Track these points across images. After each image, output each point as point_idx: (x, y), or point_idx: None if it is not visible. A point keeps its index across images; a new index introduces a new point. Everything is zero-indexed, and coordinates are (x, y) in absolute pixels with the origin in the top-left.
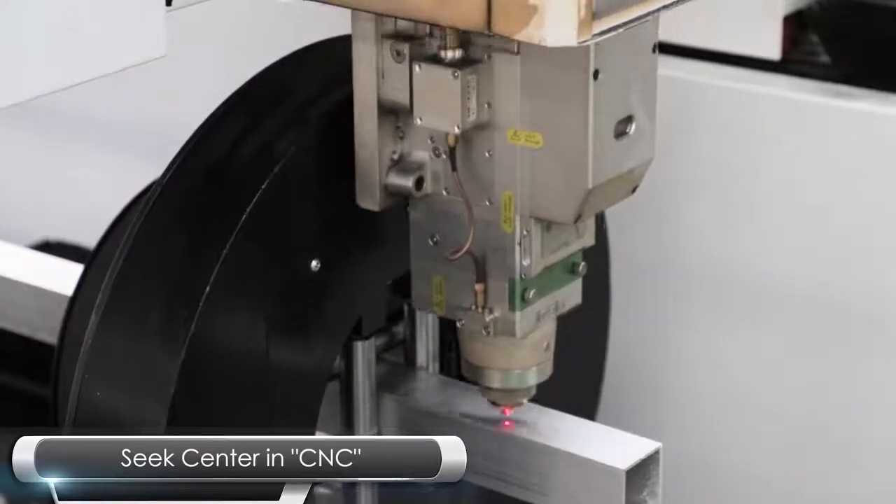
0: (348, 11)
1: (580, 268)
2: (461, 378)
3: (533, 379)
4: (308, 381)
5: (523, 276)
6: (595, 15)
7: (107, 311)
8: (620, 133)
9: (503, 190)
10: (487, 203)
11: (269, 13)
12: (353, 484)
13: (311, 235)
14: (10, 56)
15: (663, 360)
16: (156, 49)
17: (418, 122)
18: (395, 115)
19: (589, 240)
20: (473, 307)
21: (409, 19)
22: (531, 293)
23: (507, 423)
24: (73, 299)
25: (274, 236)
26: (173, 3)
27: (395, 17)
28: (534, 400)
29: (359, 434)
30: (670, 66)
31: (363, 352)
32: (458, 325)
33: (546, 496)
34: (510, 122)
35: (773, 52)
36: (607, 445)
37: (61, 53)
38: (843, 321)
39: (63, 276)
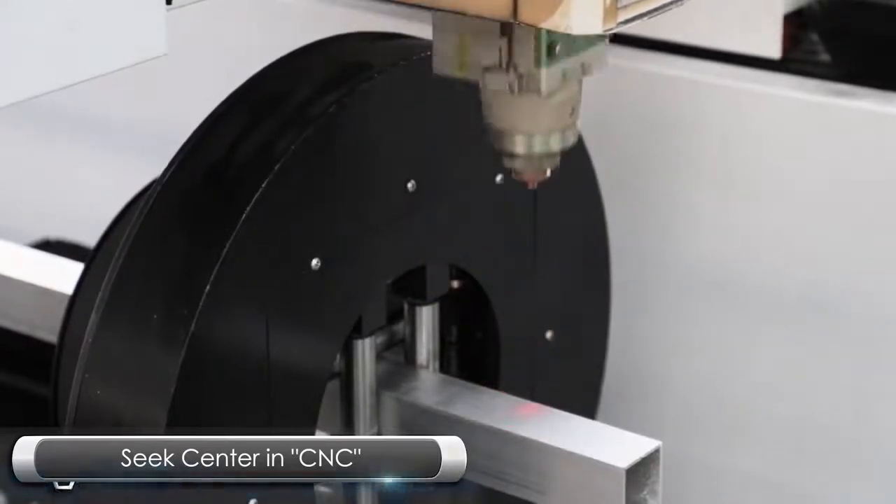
0: (349, 11)
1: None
2: (461, 377)
3: (557, 144)
4: (308, 379)
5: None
6: (620, 3)
7: (107, 310)
8: None
9: None
10: None
11: (269, 13)
12: (354, 484)
13: (312, 234)
14: (9, 54)
15: (663, 358)
16: (156, 48)
17: None
18: None
19: None
20: (497, 64)
21: (434, 8)
22: (557, 48)
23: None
24: (73, 298)
25: (274, 235)
26: (173, 2)
27: (419, 7)
28: (533, 399)
29: (359, 433)
30: (670, 65)
31: (363, 350)
32: (482, 85)
33: (545, 495)
34: None
35: (774, 50)
36: (607, 444)
37: (61, 52)
38: (843, 320)
39: (63, 275)
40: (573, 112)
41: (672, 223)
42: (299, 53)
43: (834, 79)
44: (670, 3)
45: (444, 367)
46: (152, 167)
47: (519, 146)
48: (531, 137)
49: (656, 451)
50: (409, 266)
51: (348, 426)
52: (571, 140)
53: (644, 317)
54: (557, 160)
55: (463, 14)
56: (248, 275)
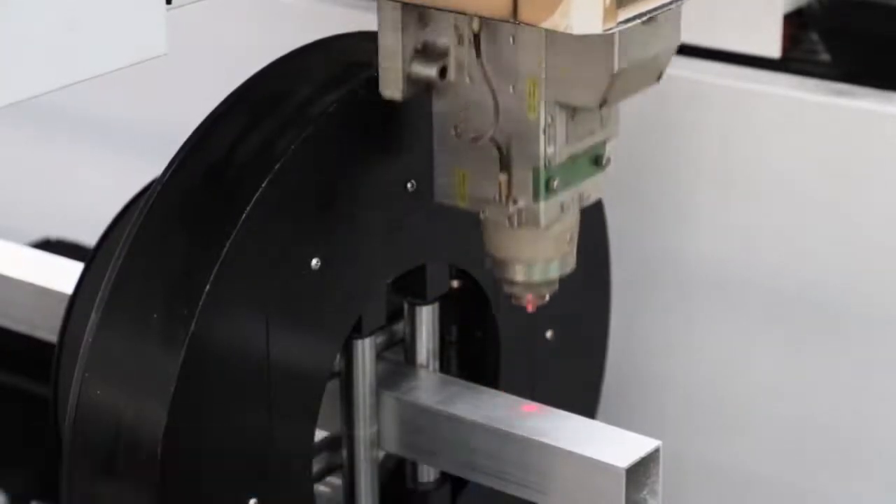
0: (349, 11)
1: (605, 160)
2: (461, 376)
3: (556, 271)
4: (308, 379)
5: (547, 164)
6: (620, 3)
7: (107, 309)
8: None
9: (527, 76)
10: (511, 90)
11: (268, 12)
12: (353, 483)
13: (311, 234)
14: (9, 54)
15: (663, 358)
16: (156, 48)
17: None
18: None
19: (613, 131)
20: (497, 197)
21: (434, 7)
22: (555, 182)
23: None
24: (73, 298)
25: (274, 235)
26: (173, 1)
27: (420, 5)
28: (533, 398)
29: (359, 433)
30: (670, 65)
31: (363, 350)
32: (482, 217)
33: (546, 494)
34: None
35: (774, 50)
36: (607, 444)
37: (61, 52)
38: (844, 320)
39: (63, 275)
40: (571, 239)
41: (672, 223)
42: (299, 53)
43: (834, 78)
44: (670, 3)
45: (444, 367)
46: (152, 167)
47: (519, 275)
48: (531, 266)
49: (656, 450)
50: (408, 266)
51: (348, 426)
52: (570, 266)
53: (644, 317)
54: (556, 286)
55: (462, 13)
56: (248, 275)
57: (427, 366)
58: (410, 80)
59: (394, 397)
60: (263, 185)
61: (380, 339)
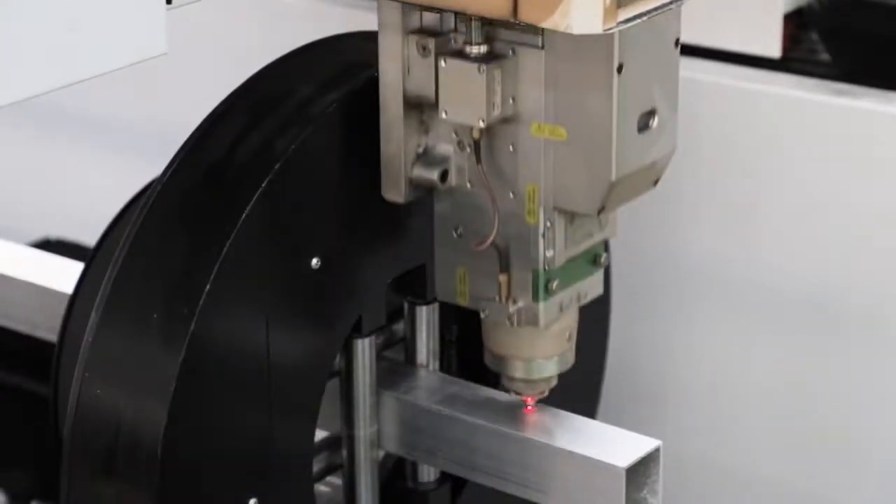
0: (349, 11)
1: (602, 259)
2: (461, 375)
3: (555, 369)
4: (308, 378)
5: (547, 267)
6: (620, 3)
7: (107, 309)
8: (643, 126)
9: (527, 183)
10: (511, 195)
11: (269, 12)
12: (353, 483)
13: (312, 233)
14: (10, 54)
15: (663, 358)
16: (156, 47)
17: (443, 115)
18: (419, 108)
19: (611, 232)
20: (497, 298)
21: (437, 8)
22: (554, 284)
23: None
24: (74, 297)
25: (274, 234)
26: (173, 1)
27: (422, 7)
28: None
29: (359, 432)
30: None
31: (363, 350)
32: (482, 315)
33: (546, 494)
34: (534, 116)
35: (774, 50)
36: (607, 443)
37: (62, 51)
38: (844, 319)
39: (63, 274)
40: (570, 337)
41: (672, 223)
42: (299, 53)
43: (834, 78)
44: (670, 3)
45: (443, 367)
46: (152, 167)
47: (518, 371)
48: (530, 363)
49: (656, 450)
50: (408, 265)
51: (348, 425)
52: (569, 363)
53: (644, 317)
54: (555, 381)
55: (463, 13)
56: (248, 274)
57: (427, 365)
58: (412, 184)
59: (394, 397)
60: (263, 185)
61: (380, 338)
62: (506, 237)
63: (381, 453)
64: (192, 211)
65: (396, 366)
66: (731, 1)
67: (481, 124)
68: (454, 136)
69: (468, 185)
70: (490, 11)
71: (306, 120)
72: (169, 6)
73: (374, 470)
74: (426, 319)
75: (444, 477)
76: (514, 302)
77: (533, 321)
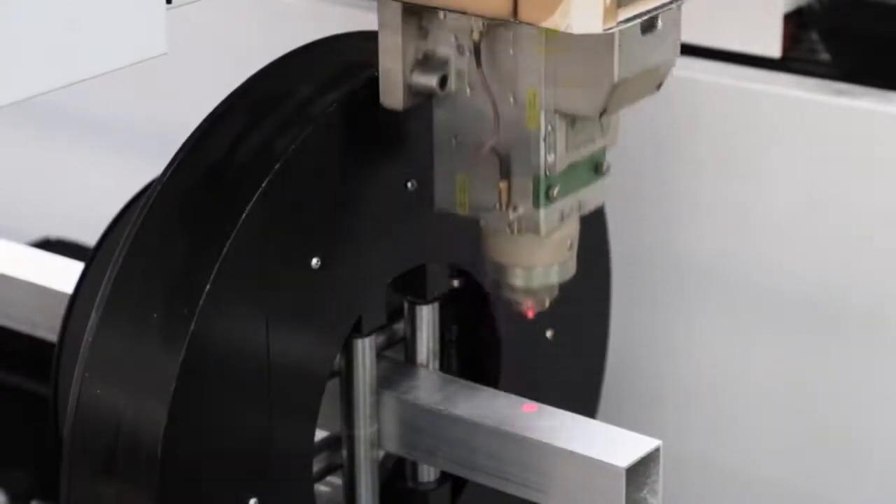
0: (349, 11)
1: (604, 167)
2: (461, 375)
3: (555, 277)
4: (308, 378)
5: (547, 172)
6: (620, 2)
7: (107, 308)
8: (647, 28)
9: (527, 87)
10: (511, 100)
11: (269, 11)
12: (353, 483)
13: (311, 233)
14: (9, 54)
15: (664, 357)
16: (156, 47)
17: (442, 17)
18: (418, 13)
19: (613, 140)
20: (497, 205)
21: (436, 7)
22: (555, 190)
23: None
24: (74, 297)
25: (274, 234)
26: (173, 1)
27: (422, 6)
28: (534, 398)
29: (359, 432)
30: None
31: (363, 349)
32: (482, 223)
33: (546, 494)
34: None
35: (774, 49)
36: (607, 443)
37: (61, 51)
38: (844, 319)
39: (63, 274)
40: (571, 246)
41: (672, 222)
42: (299, 52)
43: (834, 78)
44: (670, 3)
45: (444, 366)
46: (152, 166)
47: (518, 280)
48: (530, 272)
49: (656, 450)
50: (409, 265)
51: (348, 425)
52: (570, 272)
53: (644, 316)
54: (556, 291)
55: (463, 13)
56: (248, 274)
57: (427, 365)
58: (411, 90)
59: (394, 397)
60: (263, 185)
61: (380, 338)
62: (506, 143)
63: (381, 453)
64: (192, 211)
65: (397, 365)
66: (731, 1)
67: (481, 27)
68: (454, 40)
69: (468, 90)
70: (490, 11)
71: (306, 120)
72: (169, 6)
73: (374, 470)
74: (426, 319)
75: (445, 477)
76: (515, 209)
77: (534, 228)
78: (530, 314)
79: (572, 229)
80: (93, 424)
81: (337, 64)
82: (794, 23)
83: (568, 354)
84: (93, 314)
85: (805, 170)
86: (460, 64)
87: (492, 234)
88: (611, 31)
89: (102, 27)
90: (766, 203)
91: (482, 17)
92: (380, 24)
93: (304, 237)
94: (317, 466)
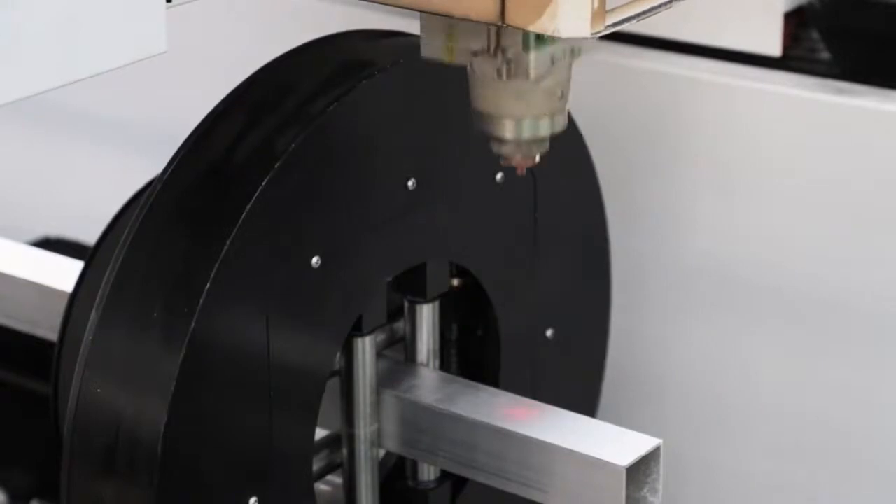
0: (349, 10)
1: None
2: (462, 375)
3: (546, 129)
4: (308, 377)
5: None
6: (608, 6)
7: (107, 307)
8: None
9: None
10: None
11: (269, 10)
12: (353, 482)
13: (312, 232)
14: (9, 53)
15: (664, 356)
16: (156, 45)
17: None
18: None
19: None
20: (485, 49)
21: (423, 10)
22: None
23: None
24: (74, 296)
25: (274, 233)
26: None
27: (409, 9)
28: (534, 397)
29: (359, 431)
30: (669, 63)
31: (364, 348)
32: (469, 70)
33: (546, 493)
34: None
35: (774, 48)
36: (608, 442)
37: (61, 50)
38: (844, 319)
39: (63, 273)
40: (563, 96)
41: (671, 222)
42: (299, 51)
43: (834, 76)
44: (660, 6)
45: (444, 365)
46: (152, 165)
47: (507, 131)
48: (520, 122)
49: (657, 449)
50: (409, 264)
51: (348, 424)
52: (561, 125)
53: (644, 315)
54: (547, 145)
55: (450, 16)
56: (249, 273)
57: (427, 364)
58: None
59: (394, 396)
60: (263, 184)
61: (380, 337)
62: None
63: (382, 452)
64: (192, 209)
65: (397, 364)
66: None
67: None
68: None
69: None
70: (477, 14)
71: (306, 119)
72: (169, 5)
73: (375, 469)
74: (427, 318)
75: (445, 476)
76: (504, 52)
77: (523, 73)
78: (520, 171)
79: (564, 77)
80: (93, 423)
81: (337, 63)
82: (795, 21)
83: (568, 353)
84: (93, 313)
85: (805, 168)
86: None
87: (480, 82)
88: (598, 35)
89: (102, 25)
90: (766, 202)
91: (469, 20)
92: None
93: (305, 236)
94: (317, 465)
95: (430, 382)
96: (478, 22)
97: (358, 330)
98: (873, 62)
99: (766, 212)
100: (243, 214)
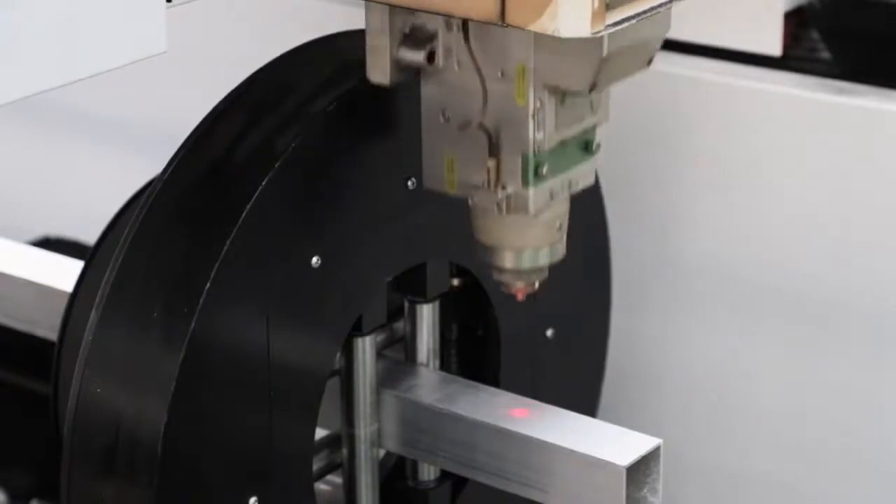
0: (349, 10)
1: (594, 146)
2: (462, 374)
3: (545, 259)
4: (308, 377)
5: (537, 150)
6: (608, 6)
7: (107, 307)
8: None
9: (516, 61)
10: (500, 75)
11: (269, 10)
12: (354, 482)
13: (312, 231)
14: (9, 52)
15: (664, 356)
16: (156, 45)
17: None
18: None
19: (604, 116)
20: (486, 184)
21: (422, 10)
22: (545, 168)
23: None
24: (73, 296)
25: (274, 233)
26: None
27: (408, 8)
28: (535, 397)
29: (359, 430)
30: (671, 62)
31: (364, 348)
32: (470, 203)
33: (546, 493)
34: None
35: (774, 48)
36: (608, 442)
37: (61, 50)
38: (844, 318)
39: (63, 273)
40: (561, 227)
41: (672, 221)
42: (299, 51)
43: (834, 76)
44: (659, 5)
45: (444, 365)
46: (152, 165)
47: (507, 261)
48: (520, 253)
49: (657, 449)
50: (409, 264)
51: (349, 424)
52: (560, 254)
53: (644, 315)
54: (546, 273)
55: (450, 16)
56: (249, 272)
57: (427, 364)
58: (398, 66)
59: (394, 395)
60: (263, 184)
61: (380, 337)
62: (494, 120)
63: (382, 452)
64: (192, 209)
65: (397, 364)
66: None
67: None
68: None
69: (456, 66)
70: (477, 14)
71: (306, 118)
72: (169, 4)
73: (375, 469)
74: (427, 318)
75: (445, 476)
76: (504, 188)
77: (522, 208)
78: (520, 297)
79: (562, 210)
80: (93, 423)
81: (336, 62)
82: (795, 21)
83: (568, 353)
84: (93, 313)
85: (805, 168)
86: (448, 39)
87: (480, 214)
88: (599, 34)
89: (102, 25)
90: (767, 202)
91: (469, 19)
92: (366, 3)
93: (305, 236)
94: (317, 465)
95: (430, 382)
96: (478, 21)
97: (358, 330)
98: (873, 62)
99: (766, 212)
100: (243, 214)
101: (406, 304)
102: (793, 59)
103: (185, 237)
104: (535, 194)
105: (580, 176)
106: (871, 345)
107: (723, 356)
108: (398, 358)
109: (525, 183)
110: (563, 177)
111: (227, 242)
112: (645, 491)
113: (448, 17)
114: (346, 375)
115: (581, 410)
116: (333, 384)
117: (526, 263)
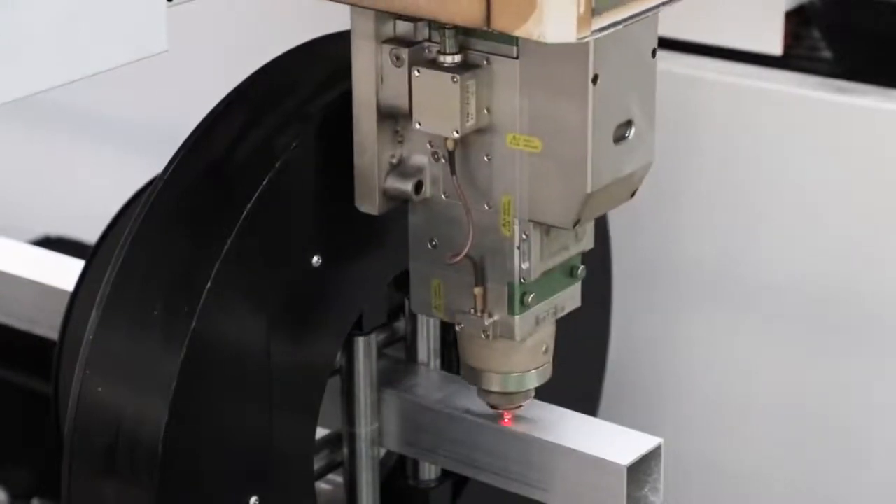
0: (348, 8)
1: (579, 271)
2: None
3: (532, 382)
4: (309, 376)
5: (522, 279)
6: (594, 11)
7: (108, 306)
8: (620, 137)
9: (502, 194)
10: (486, 207)
11: (269, 10)
12: (354, 481)
13: (312, 231)
14: (10, 52)
15: (665, 356)
16: (157, 45)
17: (417, 126)
18: (394, 118)
19: (588, 243)
20: (472, 311)
21: (409, 17)
22: (530, 297)
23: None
24: (74, 295)
25: (275, 232)
26: None
27: (395, 14)
28: (536, 396)
29: (360, 430)
30: (671, 62)
31: (364, 347)
32: (458, 328)
33: (547, 492)
34: (509, 127)
35: (775, 47)
36: (609, 441)
37: (62, 49)
38: (844, 318)
39: (64, 272)
40: (546, 351)
41: (673, 221)
42: (300, 51)
43: (835, 75)
44: (645, 12)
45: (444, 365)
46: (153, 165)
47: (494, 385)
48: (506, 377)
49: (658, 448)
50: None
51: (349, 423)
52: (546, 376)
53: (645, 315)
54: (532, 394)
55: (436, 21)
56: (249, 272)
57: (428, 363)
58: (386, 195)
59: (395, 395)
60: (264, 183)
61: (381, 336)
62: (481, 249)
63: (382, 451)
64: (192, 209)
65: (397, 363)
66: None
67: (455, 135)
68: (429, 146)
69: (443, 196)
70: (463, 19)
71: (306, 118)
72: (169, 4)
73: (375, 468)
74: (427, 318)
75: (445, 475)
76: (490, 315)
77: (509, 335)
78: (507, 420)
79: (548, 334)
80: (94, 422)
81: (336, 62)
82: (796, 20)
83: (568, 353)
84: (93, 312)
85: (806, 167)
86: (435, 170)
87: (468, 340)
88: (584, 39)
89: (103, 25)
90: (767, 201)
91: (455, 24)
92: (355, 127)
93: (305, 235)
94: (317, 464)
95: (430, 382)
96: (464, 26)
97: (358, 329)
98: (874, 61)
99: (767, 211)
100: (243, 214)
101: (406, 304)
102: (794, 58)
103: (185, 237)
104: (520, 322)
105: (565, 300)
106: (870, 344)
107: (723, 355)
108: (399, 357)
109: (511, 311)
110: (549, 302)
111: (227, 242)
112: (646, 490)
113: (434, 150)
114: (347, 375)
115: (581, 410)
116: (334, 383)
117: (512, 387)
